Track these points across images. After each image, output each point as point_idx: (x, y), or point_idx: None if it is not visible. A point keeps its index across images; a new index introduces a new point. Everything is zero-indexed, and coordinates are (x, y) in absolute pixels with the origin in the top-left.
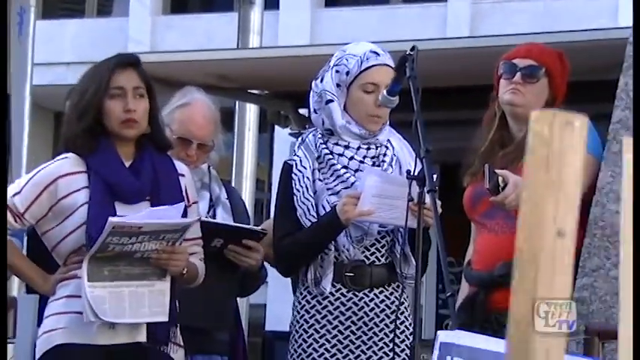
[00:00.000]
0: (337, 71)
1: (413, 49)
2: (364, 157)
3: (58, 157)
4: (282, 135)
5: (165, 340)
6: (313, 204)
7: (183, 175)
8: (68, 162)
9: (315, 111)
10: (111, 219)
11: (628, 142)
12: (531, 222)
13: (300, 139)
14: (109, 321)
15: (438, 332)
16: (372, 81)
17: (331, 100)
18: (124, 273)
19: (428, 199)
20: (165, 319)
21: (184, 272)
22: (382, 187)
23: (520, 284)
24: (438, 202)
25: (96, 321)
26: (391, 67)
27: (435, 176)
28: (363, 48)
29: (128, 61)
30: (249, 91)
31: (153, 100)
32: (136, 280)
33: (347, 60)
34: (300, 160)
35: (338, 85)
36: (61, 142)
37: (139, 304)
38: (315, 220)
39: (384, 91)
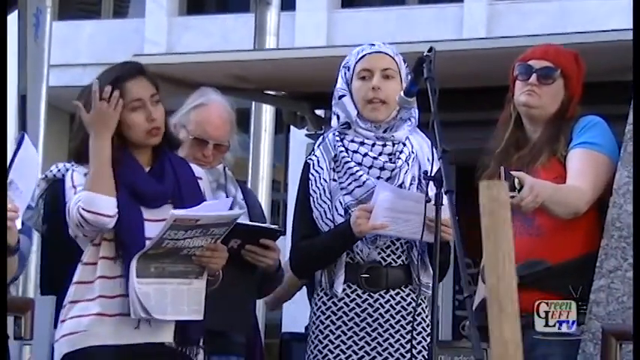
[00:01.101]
0: (344, 71)
1: (430, 50)
2: (380, 153)
3: (76, 166)
4: (298, 136)
5: (198, 341)
6: (330, 206)
7: (200, 179)
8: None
9: (334, 113)
10: (173, 212)
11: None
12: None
13: (321, 137)
14: (156, 318)
15: None
16: (365, 67)
17: (343, 95)
18: (168, 270)
19: (445, 200)
20: (201, 317)
21: (218, 272)
22: (395, 201)
23: None
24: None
25: (145, 317)
26: (388, 54)
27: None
28: (364, 45)
29: (136, 70)
30: (265, 92)
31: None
32: (177, 278)
33: (349, 58)
34: (318, 160)
35: (347, 84)
36: (73, 156)
37: (179, 301)
38: (332, 222)
39: (401, 92)
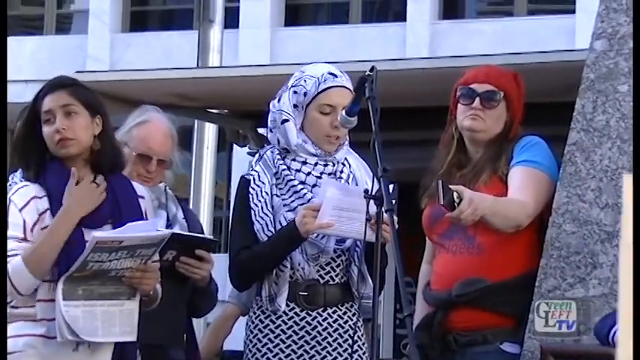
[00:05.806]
0: (295, 92)
1: (372, 69)
2: (321, 172)
3: (19, 185)
4: (240, 154)
5: None
6: (272, 219)
7: (142, 197)
8: (32, 188)
9: (271, 130)
10: (94, 234)
11: (628, 180)
12: None
13: (257, 155)
14: (85, 340)
15: None
16: (329, 102)
17: (286, 120)
18: (97, 292)
19: (386, 218)
20: (134, 339)
21: (152, 292)
22: (341, 199)
23: None
24: (395, 219)
25: (73, 339)
26: (348, 89)
27: (392, 186)
28: (322, 69)
29: (59, 84)
30: (208, 110)
31: (104, 118)
32: (107, 300)
33: (305, 81)
34: (258, 175)
35: (295, 106)
36: (20, 173)
37: (110, 323)
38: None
39: (343, 112)
